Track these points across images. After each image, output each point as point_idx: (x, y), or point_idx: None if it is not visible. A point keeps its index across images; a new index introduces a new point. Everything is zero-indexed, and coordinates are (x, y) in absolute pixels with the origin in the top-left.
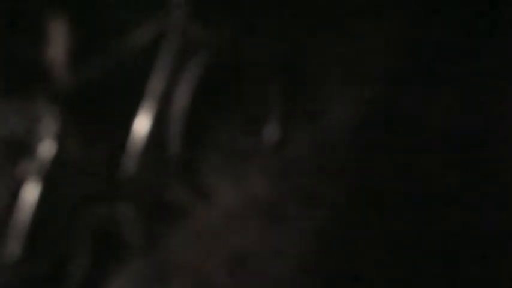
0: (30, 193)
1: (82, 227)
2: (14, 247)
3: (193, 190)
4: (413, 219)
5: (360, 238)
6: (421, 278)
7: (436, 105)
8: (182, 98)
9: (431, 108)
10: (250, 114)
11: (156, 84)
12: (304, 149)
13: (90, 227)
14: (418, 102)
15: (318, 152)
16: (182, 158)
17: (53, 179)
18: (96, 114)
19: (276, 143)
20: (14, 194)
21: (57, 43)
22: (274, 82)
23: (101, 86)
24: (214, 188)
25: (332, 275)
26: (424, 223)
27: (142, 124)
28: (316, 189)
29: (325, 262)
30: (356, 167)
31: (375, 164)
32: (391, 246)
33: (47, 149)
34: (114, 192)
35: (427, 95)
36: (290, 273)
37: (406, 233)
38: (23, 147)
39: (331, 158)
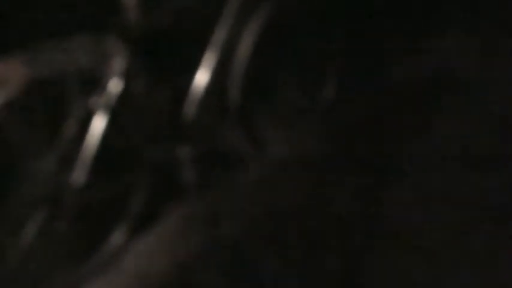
0: (97, 125)
1: (142, 163)
2: (80, 174)
3: (248, 141)
4: None
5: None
6: None
7: None
8: (245, 48)
9: None
10: (309, 72)
11: (221, 32)
12: (358, 112)
13: (149, 164)
14: None
15: (370, 118)
16: (240, 109)
17: (119, 114)
18: (163, 57)
19: (330, 103)
20: (83, 125)
21: None
22: (336, 41)
23: (170, 29)
24: (267, 141)
25: (371, 230)
26: None
27: (205, 71)
28: (364, 153)
29: (365, 221)
30: (408, 134)
31: (431, 132)
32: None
33: (114, 85)
34: (174, 133)
35: None
36: (331, 228)
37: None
38: (92, 82)
39: (383, 125)
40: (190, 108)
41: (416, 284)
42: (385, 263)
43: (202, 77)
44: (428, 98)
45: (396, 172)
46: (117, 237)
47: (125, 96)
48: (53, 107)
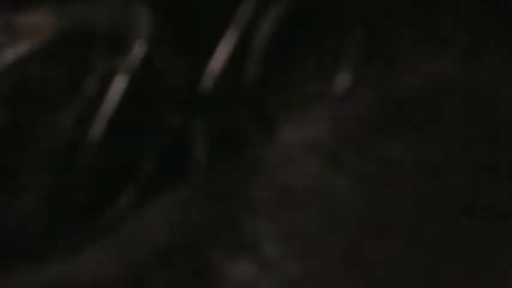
0: (118, 87)
1: (155, 129)
2: (96, 133)
3: (260, 123)
4: None
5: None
6: None
7: None
8: (267, 29)
9: None
10: (327, 57)
11: (245, 9)
12: (373, 102)
13: (162, 132)
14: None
15: (386, 108)
16: (255, 89)
17: (139, 78)
18: (187, 26)
19: (345, 91)
20: (104, 85)
21: None
22: (356, 28)
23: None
24: (279, 125)
25: (381, 221)
26: None
27: (225, 47)
28: (375, 144)
29: (376, 210)
30: (422, 127)
31: (446, 128)
32: None
33: (138, 49)
34: (189, 104)
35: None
36: (343, 217)
37: None
38: (117, 43)
39: (397, 115)
40: (208, 82)
41: None
42: None
43: (222, 53)
44: (444, 98)
45: (395, 162)
46: (122, 203)
47: (147, 60)
48: (77, 62)
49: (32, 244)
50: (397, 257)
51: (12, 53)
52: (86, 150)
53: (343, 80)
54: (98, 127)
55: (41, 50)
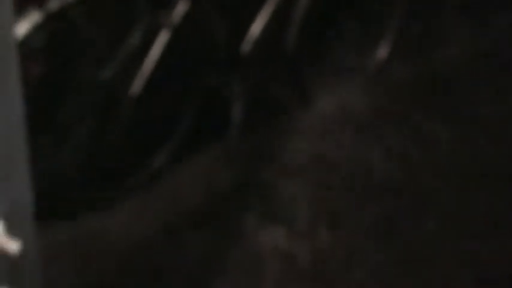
0: (161, 42)
1: (195, 87)
2: (137, 87)
3: (296, 91)
4: None
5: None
6: None
7: None
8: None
9: None
10: (365, 32)
11: None
12: (409, 77)
13: (200, 92)
14: None
15: (422, 82)
16: (293, 58)
17: (182, 36)
18: None
19: (382, 65)
20: (147, 39)
21: None
22: (397, 4)
23: None
24: (315, 95)
25: (411, 189)
26: None
27: (267, 13)
28: (409, 115)
29: (408, 181)
30: (458, 101)
31: (481, 104)
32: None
33: (183, 6)
34: (228, 65)
35: None
36: (374, 186)
37: None
38: (161, 1)
39: (432, 90)
40: (248, 45)
41: None
42: None
43: (263, 18)
44: (479, 75)
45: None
46: (159, 158)
47: (190, 18)
48: (121, 17)
49: (70, 196)
50: (431, 232)
51: (58, 2)
52: (126, 104)
53: (380, 54)
54: (138, 82)
55: (86, 2)
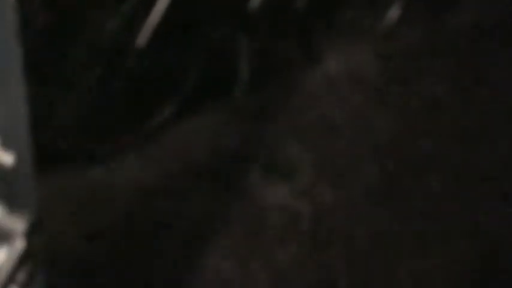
0: None
1: (201, 43)
2: (142, 38)
3: (305, 50)
4: None
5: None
6: None
7: None
8: None
9: None
10: None
11: None
12: (419, 40)
13: (207, 46)
14: None
15: (430, 47)
16: (304, 15)
17: None
18: None
19: (392, 28)
20: None
21: None
22: None
23: None
24: (323, 55)
25: (417, 151)
26: None
27: None
28: (417, 78)
29: (412, 141)
30: (465, 66)
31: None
32: None
33: None
34: (236, 20)
35: None
36: (379, 147)
37: None
38: None
39: (440, 55)
40: (256, 0)
41: None
42: None
43: None
44: (489, 41)
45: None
46: (164, 113)
47: None
48: None
49: (74, 147)
50: (433, 191)
51: None
52: (131, 55)
53: (391, 16)
54: (145, 33)
55: None
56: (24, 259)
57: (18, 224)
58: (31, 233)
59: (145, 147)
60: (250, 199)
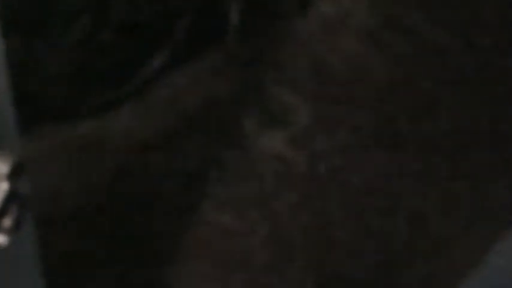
0: None
1: None
2: None
3: None
4: None
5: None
6: None
7: None
8: None
9: None
10: None
11: None
12: None
13: None
14: None
15: None
16: None
17: None
18: None
19: None
20: None
21: None
22: None
23: None
24: (315, 0)
25: (411, 94)
26: None
27: None
28: (417, 23)
29: (406, 84)
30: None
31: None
32: None
33: None
34: None
35: None
36: (374, 91)
37: None
38: None
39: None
40: None
41: None
42: None
43: None
44: None
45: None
46: (155, 64)
47: None
48: None
49: (65, 99)
50: (430, 138)
51: None
52: (120, 2)
53: None
54: None
55: None
56: (8, 202)
57: (0, 166)
58: (14, 175)
59: (136, 98)
60: (245, 148)
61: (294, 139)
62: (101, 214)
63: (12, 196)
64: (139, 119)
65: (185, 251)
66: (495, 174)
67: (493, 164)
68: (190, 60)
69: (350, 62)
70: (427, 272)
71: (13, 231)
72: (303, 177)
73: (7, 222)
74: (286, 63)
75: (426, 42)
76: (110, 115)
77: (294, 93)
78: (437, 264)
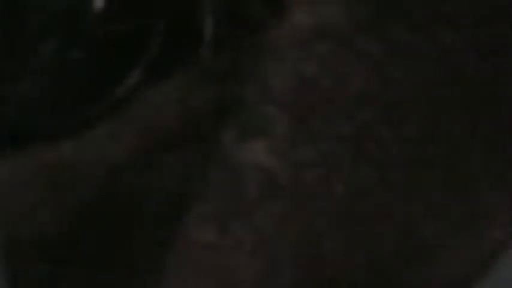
0: None
1: (163, 4)
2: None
3: (270, 4)
4: None
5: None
6: None
7: None
8: None
9: None
10: None
11: None
12: None
13: (170, 7)
14: None
15: None
16: None
17: None
18: None
19: None
20: None
21: None
22: None
23: None
24: (289, 8)
25: (390, 99)
26: None
27: None
28: (388, 26)
29: (385, 90)
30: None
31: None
32: None
33: None
34: None
35: None
36: (353, 98)
37: None
38: None
39: (411, 3)
40: None
41: None
42: None
43: None
44: None
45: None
46: (130, 81)
47: None
48: None
49: (37, 122)
50: (408, 138)
51: None
52: (89, 20)
53: None
54: None
55: None
56: None
57: None
58: None
59: (113, 117)
60: (226, 161)
61: (276, 149)
62: (80, 238)
63: None
64: (116, 139)
65: (168, 270)
66: (482, 180)
67: (479, 171)
68: (166, 76)
69: (328, 68)
70: (418, 281)
71: None
72: (287, 187)
73: None
74: (265, 73)
75: (406, 48)
76: (87, 136)
77: (273, 103)
78: (428, 273)
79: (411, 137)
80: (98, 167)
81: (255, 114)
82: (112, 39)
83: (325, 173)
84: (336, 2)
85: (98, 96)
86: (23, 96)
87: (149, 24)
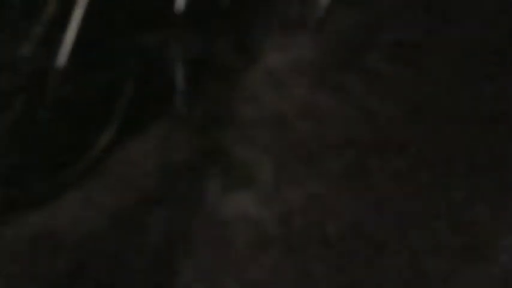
0: (81, 5)
1: (131, 53)
2: (62, 58)
3: (241, 48)
4: None
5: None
6: None
7: None
8: None
9: None
10: None
11: None
12: (355, 22)
13: (138, 56)
14: None
15: (358, 31)
16: (233, 13)
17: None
18: None
19: (323, 18)
20: (66, 5)
21: None
22: None
23: None
24: (261, 51)
25: (374, 135)
26: None
27: None
28: (355, 60)
29: (368, 129)
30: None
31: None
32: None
33: None
34: (163, 28)
35: None
36: (333, 133)
37: None
38: None
39: (379, 33)
40: (180, 4)
41: None
42: None
43: None
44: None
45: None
46: (103, 137)
47: None
48: None
49: (5, 192)
50: (399, 172)
51: None
52: (52, 79)
53: (323, 4)
54: (63, 52)
55: None
56: None
57: None
58: None
59: (88, 180)
60: (211, 216)
61: (262, 198)
62: None
63: None
64: (91, 202)
65: None
66: (474, 205)
67: (469, 196)
68: (141, 130)
69: (303, 106)
70: None
71: None
72: (277, 237)
73: None
74: (241, 118)
75: (380, 80)
76: (61, 202)
77: (253, 147)
78: None
79: (401, 169)
80: (73, 235)
81: (237, 162)
82: (81, 99)
83: (315, 216)
84: (305, 41)
85: (70, 160)
86: None
87: (118, 79)
